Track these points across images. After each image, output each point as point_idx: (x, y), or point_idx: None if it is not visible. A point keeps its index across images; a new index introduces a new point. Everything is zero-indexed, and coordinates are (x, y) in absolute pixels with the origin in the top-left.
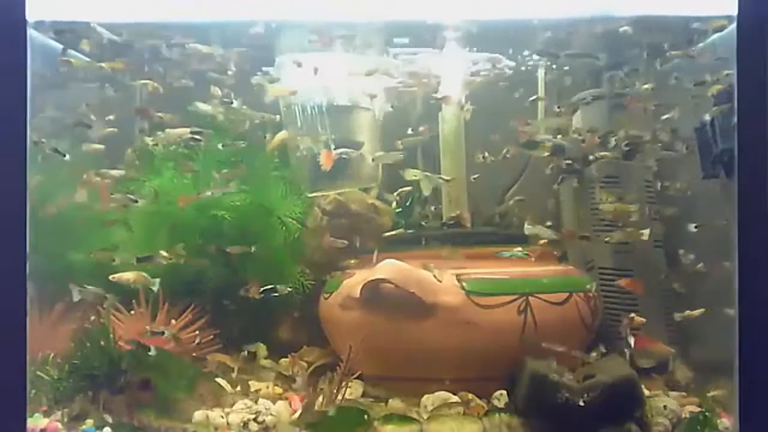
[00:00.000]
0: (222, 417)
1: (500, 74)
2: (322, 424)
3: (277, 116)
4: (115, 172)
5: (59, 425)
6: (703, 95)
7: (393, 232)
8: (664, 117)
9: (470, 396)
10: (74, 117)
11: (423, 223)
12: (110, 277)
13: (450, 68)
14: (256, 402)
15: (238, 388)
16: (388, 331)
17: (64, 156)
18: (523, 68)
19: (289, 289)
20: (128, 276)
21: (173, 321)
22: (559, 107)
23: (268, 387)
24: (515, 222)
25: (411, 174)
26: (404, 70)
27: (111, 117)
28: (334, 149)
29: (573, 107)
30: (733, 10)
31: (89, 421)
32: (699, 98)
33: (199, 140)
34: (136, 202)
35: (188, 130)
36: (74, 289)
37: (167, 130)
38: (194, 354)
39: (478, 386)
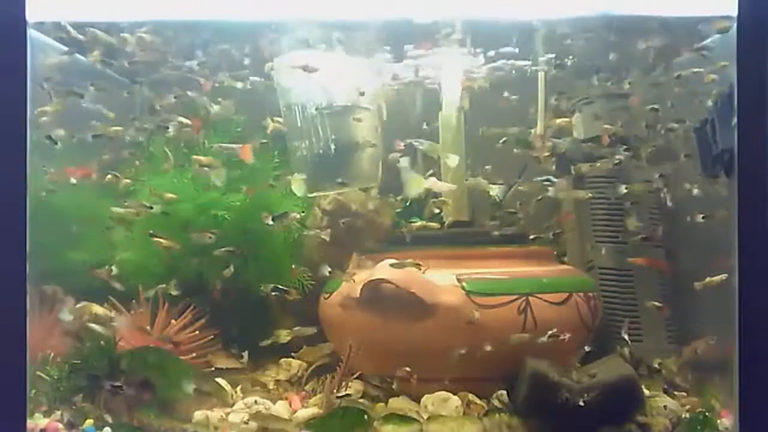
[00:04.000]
0: (222, 417)
1: (499, 73)
2: (322, 424)
3: None
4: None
5: (59, 425)
6: (704, 95)
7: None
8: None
9: (470, 396)
10: (67, 88)
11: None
12: None
13: (449, 68)
14: (255, 402)
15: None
16: (388, 331)
17: (56, 143)
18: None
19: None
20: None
21: (173, 321)
22: (556, 99)
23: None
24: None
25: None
26: (404, 71)
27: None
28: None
29: (573, 107)
30: (733, 10)
31: (89, 421)
32: (699, 98)
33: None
34: (151, 208)
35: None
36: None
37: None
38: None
39: (478, 386)
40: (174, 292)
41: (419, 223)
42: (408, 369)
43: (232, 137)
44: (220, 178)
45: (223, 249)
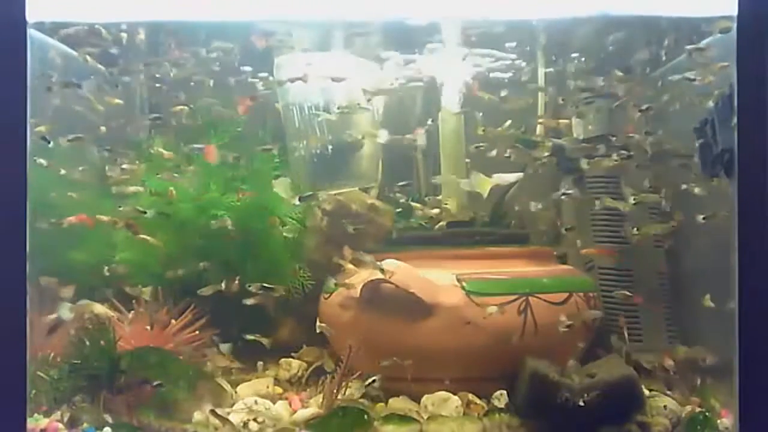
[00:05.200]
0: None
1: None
2: (322, 424)
3: None
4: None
5: (59, 425)
6: (703, 95)
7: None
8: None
9: (470, 396)
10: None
11: (423, 223)
12: None
13: (449, 68)
14: (255, 402)
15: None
16: (387, 332)
17: (49, 143)
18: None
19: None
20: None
21: (173, 321)
22: (563, 99)
23: (268, 387)
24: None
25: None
26: (404, 70)
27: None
28: None
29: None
30: (733, 10)
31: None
32: (699, 98)
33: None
34: (145, 213)
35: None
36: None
37: None
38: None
39: (478, 386)
40: (147, 298)
41: (435, 211)
42: (387, 363)
43: (231, 137)
44: (188, 175)
45: (203, 264)
